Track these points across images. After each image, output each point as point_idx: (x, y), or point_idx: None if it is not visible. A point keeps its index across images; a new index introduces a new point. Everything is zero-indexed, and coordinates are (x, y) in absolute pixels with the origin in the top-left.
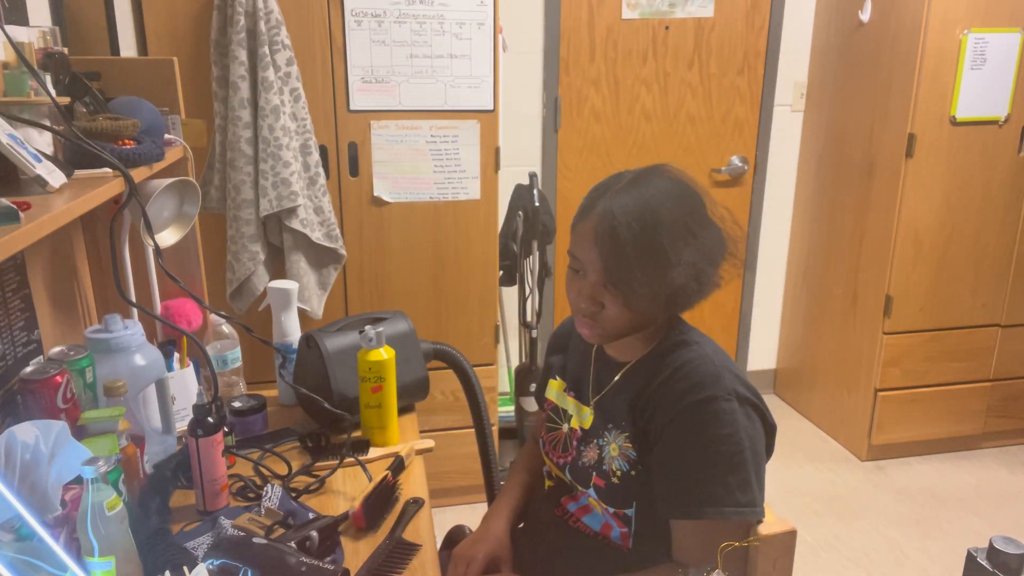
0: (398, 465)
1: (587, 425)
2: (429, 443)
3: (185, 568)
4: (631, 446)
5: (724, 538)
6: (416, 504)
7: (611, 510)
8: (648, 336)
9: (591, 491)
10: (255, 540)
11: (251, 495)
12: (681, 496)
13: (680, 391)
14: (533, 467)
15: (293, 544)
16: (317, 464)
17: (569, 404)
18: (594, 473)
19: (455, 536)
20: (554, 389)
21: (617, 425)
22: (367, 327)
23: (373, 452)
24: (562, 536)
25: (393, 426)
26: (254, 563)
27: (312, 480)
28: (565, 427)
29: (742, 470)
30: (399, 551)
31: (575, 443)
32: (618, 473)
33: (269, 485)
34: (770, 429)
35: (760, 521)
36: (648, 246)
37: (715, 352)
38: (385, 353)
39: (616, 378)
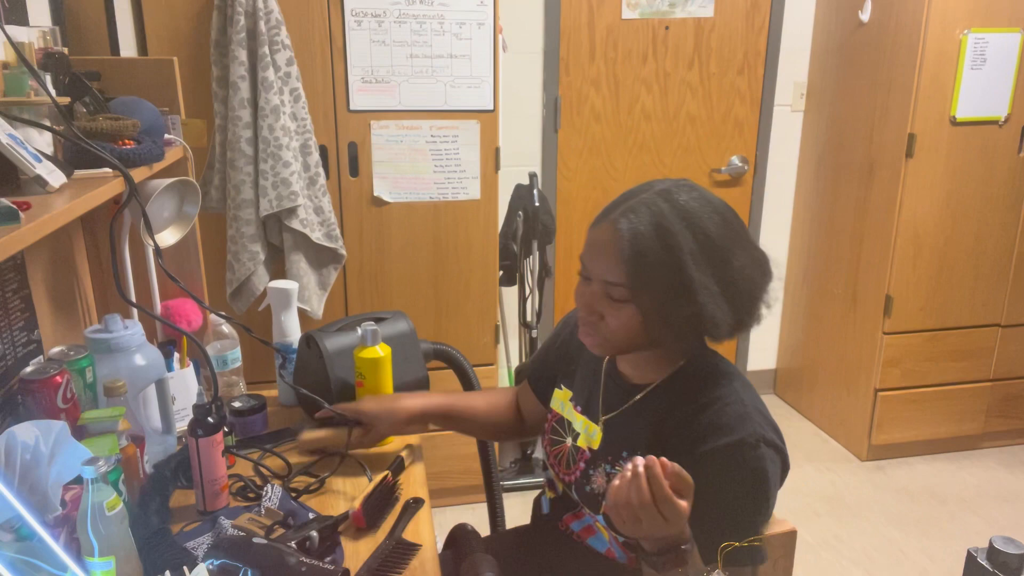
0: (398, 465)
1: (595, 445)
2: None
3: (185, 568)
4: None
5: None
6: (416, 504)
7: (620, 539)
8: (667, 359)
9: (600, 519)
10: (255, 540)
11: (251, 495)
12: (698, 541)
13: (705, 430)
14: (479, 407)
15: (293, 544)
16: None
17: (576, 419)
18: (603, 501)
19: (457, 536)
20: (559, 399)
21: (631, 453)
22: (364, 324)
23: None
24: (567, 550)
25: None
26: (254, 563)
27: (312, 480)
28: (569, 442)
29: (762, 516)
30: (399, 551)
31: (582, 464)
32: None
33: (269, 485)
34: (785, 470)
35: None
36: (662, 265)
37: (744, 388)
38: (381, 351)
39: (632, 401)
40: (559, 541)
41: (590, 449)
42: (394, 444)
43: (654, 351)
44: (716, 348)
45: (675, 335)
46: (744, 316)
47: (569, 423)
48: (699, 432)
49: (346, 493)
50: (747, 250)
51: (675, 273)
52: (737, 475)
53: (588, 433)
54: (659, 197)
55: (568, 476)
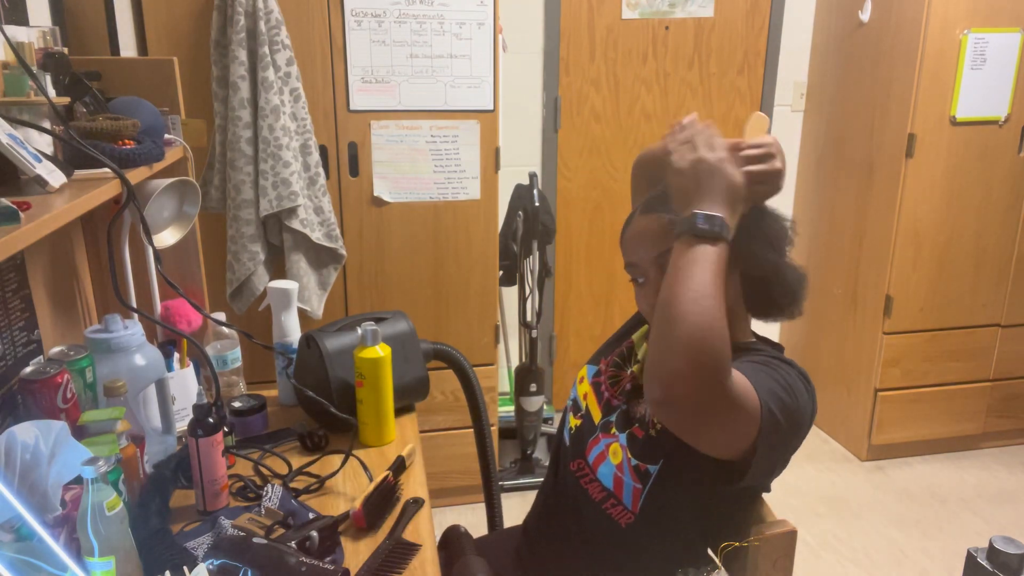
0: (399, 465)
1: (642, 380)
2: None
3: (185, 568)
4: None
5: (749, 415)
6: (416, 504)
7: (634, 462)
8: None
9: (622, 438)
10: (255, 540)
11: (251, 495)
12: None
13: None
14: None
15: (293, 544)
16: (317, 464)
17: (643, 350)
18: (636, 424)
19: (451, 536)
20: (641, 333)
21: None
22: (364, 324)
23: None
24: (569, 496)
25: (385, 425)
26: (254, 563)
27: (312, 480)
28: (630, 370)
29: (789, 398)
30: (399, 551)
31: (630, 387)
32: (659, 426)
33: (269, 485)
34: (813, 412)
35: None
36: None
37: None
38: (381, 351)
39: None
40: (565, 488)
41: (635, 380)
42: (395, 445)
43: None
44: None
45: (739, 293)
46: (784, 278)
47: (635, 353)
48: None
49: (346, 493)
50: (768, 216)
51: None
52: (765, 365)
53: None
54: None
55: (616, 399)
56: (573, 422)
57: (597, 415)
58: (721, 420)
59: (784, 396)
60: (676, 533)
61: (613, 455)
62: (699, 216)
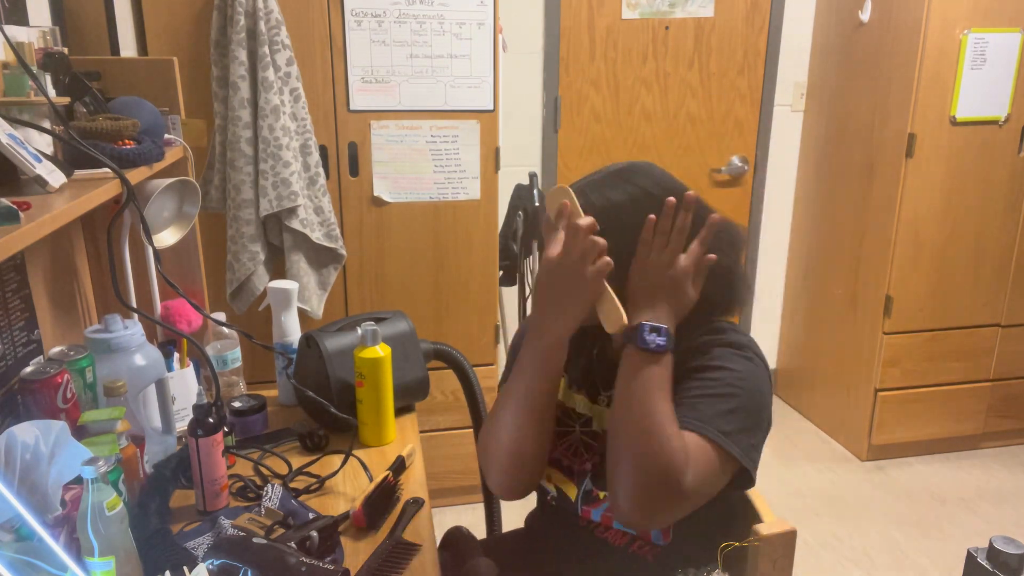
0: (399, 465)
1: (601, 427)
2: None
3: (185, 568)
4: None
5: (715, 465)
6: (416, 504)
7: None
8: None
9: None
10: (255, 540)
11: (251, 495)
12: (684, 414)
13: (701, 351)
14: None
15: (293, 544)
16: (317, 464)
17: (579, 403)
18: None
19: (455, 537)
20: (562, 391)
21: None
22: (364, 324)
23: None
24: (588, 550)
25: (385, 425)
26: (254, 563)
27: (312, 480)
28: (577, 428)
29: (749, 413)
30: (399, 551)
31: (602, 446)
32: None
33: (270, 485)
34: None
35: (747, 477)
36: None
37: (746, 336)
38: (381, 351)
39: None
40: (581, 544)
41: (603, 430)
42: (395, 444)
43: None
44: None
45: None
46: (736, 277)
47: (572, 409)
48: (695, 357)
49: (346, 493)
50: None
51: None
52: (722, 358)
53: (600, 417)
54: (616, 175)
55: (584, 465)
56: (552, 497)
57: (572, 492)
58: (688, 508)
59: (739, 411)
60: (701, 544)
61: None
62: (646, 328)
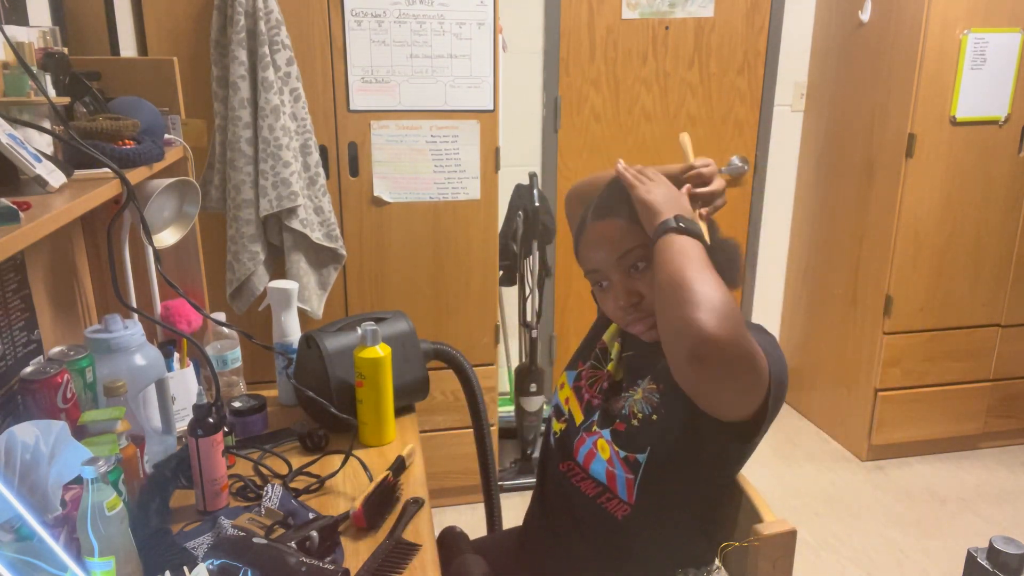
0: (399, 465)
1: (618, 377)
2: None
3: (185, 568)
4: (655, 388)
5: (757, 360)
6: (416, 504)
7: (622, 454)
8: None
9: (606, 433)
10: (255, 540)
11: (251, 495)
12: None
13: None
14: None
15: (293, 544)
16: (317, 464)
17: (615, 349)
18: (616, 419)
19: (447, 537)
20: (611, 332)
21: (644, 376)
22: (364, 324)
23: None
24: (562, 496)
25: (386, 425)
26: (254, 563)
27: (312, 480)
28: (605, 370)
29: (774, 351)
30: (399, 551)
31: (607, 385)
32: (639, 416)
33: (270, 485)
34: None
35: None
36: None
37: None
38: (381, 351)
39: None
40: (557, 489)
41: (613, 379)
42: (395, 445)
43: None
44: None
45: None
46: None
47: (610, 352)
48: None
49: (346, 493)
50: None
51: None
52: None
53: (618, 364)
54: (608, 186)
55: (595, 398)
56: (557, 426)
57: (579, 417)
58: (744, 374)
59: (776, 353)
60: (671, 520)
61: (602, 450)
62: (678, 217)
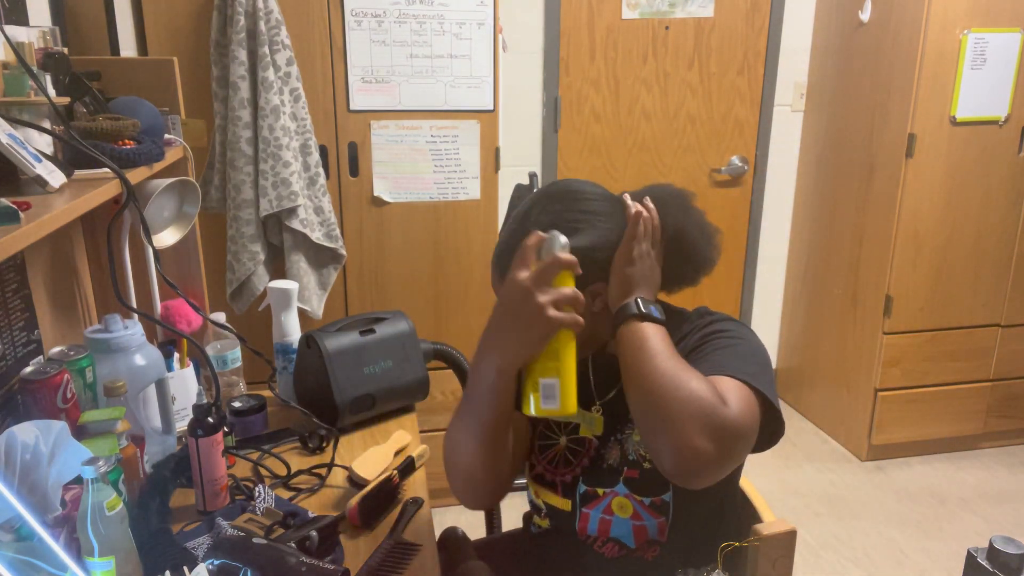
0: (407, 466)
1: (599, 431)
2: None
3: (185, 568)
4: None
5: (752, 403)
6: (416, 504)
7: (647, 501)
8: None
9: (620, 487)
10: (255, 540)
11: (239, 496)
12: (712, 369)
13: (696, 339)
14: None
15: (293, 544)
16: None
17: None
18: (625, 468)
19: (449, 538)
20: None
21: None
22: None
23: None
24: (584, 564)
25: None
26: (254, 563)
27: (314, 480)
28: (563, 440)
29: (765, 368)
30: (399, 551)
31: (590, 451)
32: (648, 458)
33: (260, 486)
34: (777, 424)
35: (776, 418)
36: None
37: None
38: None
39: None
40: (574, 551)
41: (596, 437)
42: (411, 447)
43: None
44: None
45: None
46: (699, 260)
47: (558, 422)
48: (691, 342)
49: (349, 492)
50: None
51: (599, 230)
52: (725, 332)
53: (590, 424)
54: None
55: (571, 473)
56: (541, 523)
57: (562, 503)
58: (742, 453)
59: (750, 356)
60: (703, 544)
61: (621, 510)
62: (641, 301)
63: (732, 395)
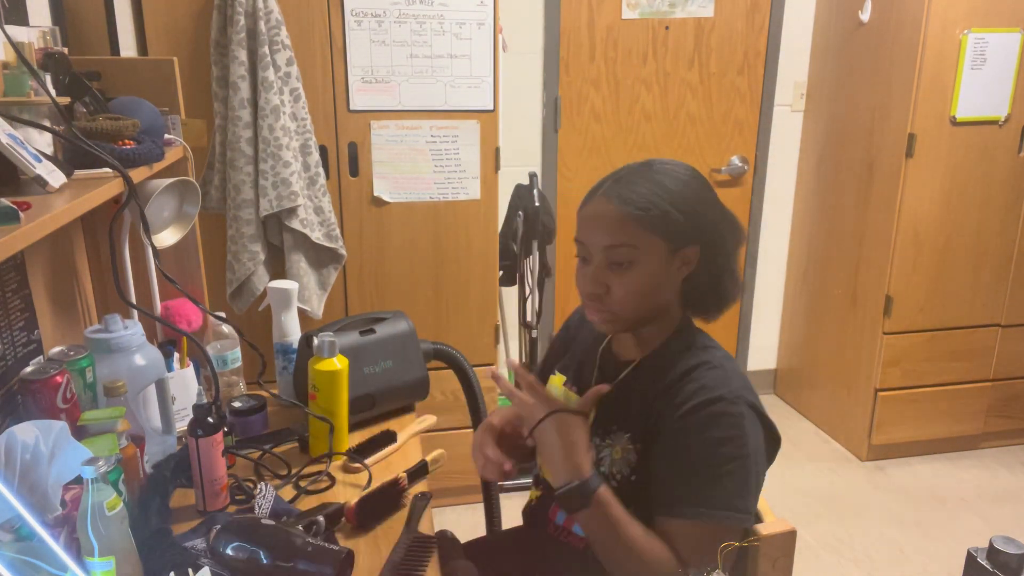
0: (420, 469)
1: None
2: (431, 419)
3: (189, 570)
4: (633, 448)
5: (712, 540)
6: (424, 499)
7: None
8: (657, 333)
9: None
10: (263, 522)
11: (239, 496)
12: (675, 494)
13: (689, 392)
14: None
15: (300, 527)
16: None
17: (572, 400)
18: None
19: (439, 539)
20: (554, 384)
21: (621, 427)
22: (321, 334)
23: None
24: (554, 553)
25: (337, 438)
26: (263, 544)
27: (315, 480)
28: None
29: (742, 474)
30: (418, 546)
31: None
32: (618, 477)
33: (263, 483)
34: (774, 441)
35: (748, 528)
36: (661, 217)
37: (726, 358)
38: (338, 363)
39: (622, 376)
40: (546, 543)
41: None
42: (415, 449)
43: (648, 327)
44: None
45: (677, 292)
46: (725, 277)
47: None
48: (683, 396)
49: (352, 487)
50: (721, 208)
51: (672, 223)
52: (716, 428)
53: (563, 397)
54: (641, 165)
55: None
56: (533, 494)
57: (536, 493)
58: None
59: (737, 473)
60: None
61: None
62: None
63: (688, 540)
